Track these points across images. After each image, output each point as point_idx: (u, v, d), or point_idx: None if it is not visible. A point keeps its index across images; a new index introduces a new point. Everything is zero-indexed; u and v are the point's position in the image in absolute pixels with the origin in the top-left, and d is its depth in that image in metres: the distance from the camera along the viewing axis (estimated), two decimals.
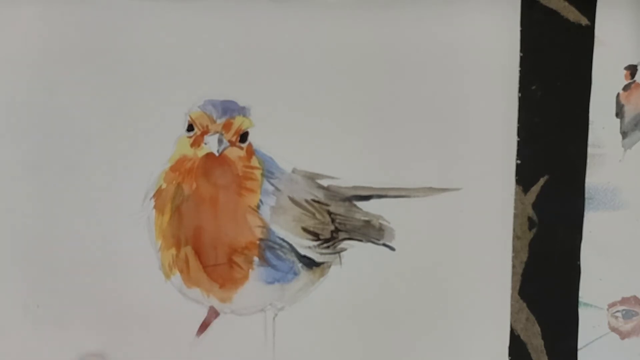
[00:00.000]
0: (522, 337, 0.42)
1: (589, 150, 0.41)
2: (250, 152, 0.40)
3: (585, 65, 0.41)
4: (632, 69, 0.41)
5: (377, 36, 0.41)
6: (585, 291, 0.42)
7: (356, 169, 0.41)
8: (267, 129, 0.40)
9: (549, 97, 0.41)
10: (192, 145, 0.40)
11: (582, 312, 0.42)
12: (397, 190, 0.41)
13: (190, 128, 0.40)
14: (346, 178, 0.41)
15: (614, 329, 0.42)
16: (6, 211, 0.41)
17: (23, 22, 0.41)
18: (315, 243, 0.41)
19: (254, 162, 0.40)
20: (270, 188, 0.40)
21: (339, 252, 0.41)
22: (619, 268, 0.42)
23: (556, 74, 0.41)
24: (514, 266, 0.41)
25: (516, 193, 0.41)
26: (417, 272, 0.41)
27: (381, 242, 0.41)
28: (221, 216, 0.40)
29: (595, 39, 0.41)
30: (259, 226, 0.40)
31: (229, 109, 0.40)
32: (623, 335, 0.42)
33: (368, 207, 0.41)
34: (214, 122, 0.40)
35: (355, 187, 0.41)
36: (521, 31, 0.41)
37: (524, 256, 0.41)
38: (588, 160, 0.41)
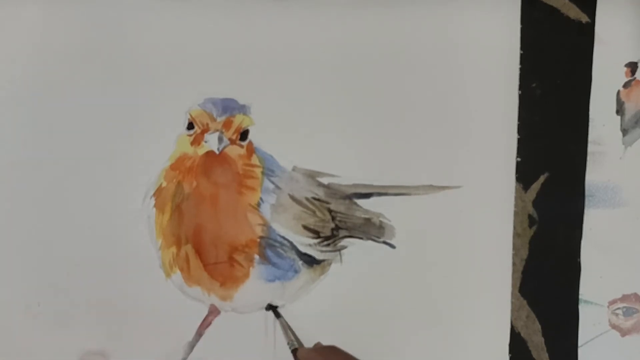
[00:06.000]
0: (522, 334, 0.42)
1: (589, 147, 0.41)
2: (251, 150, 0.40)
3: (585, 63, 0.41)
4: (632, 67, 0.41)
5: (377, 34, 0.41)
6: (586, 288, 0.42)
7: (356, 167, 0.41)
8: (267, 127, 0.40)
9: (549, 95, 0.41)
10: (192, 143, 0.40)
11: (582, 309, 0.42)
12: (397, 188, 0.41)
13: (190, 126, 0.40)
14: (346, 176, 0.41)
15: (614, 327, 0.42)
16: (7, 210, 0.41)
17: (23, 22, 0.41)
18: (316, 241, 0.41)
19: (255, 160, 0.40)
20: (271, 186, 0.40)
21: (339, 250, 0.41)
22: (619, 265, 0.42)
23: (556, 71, 0.41)
24: (514, 264, 0.41)
25: (516, 191, 0.41)
26: (418, 270, 0.41)
27: (381, 239, 0.41)
28: (221, 214, 0.40)
29: (596, 37, 0.41)
30: (260, 224, 0.40)
31: (229, 107, 0.40)
32: (623, 332, 0.42)
33: (368, 205, 0.41)
34: (214, 120, 0.40)
35: (355, 185, 0.41)
36: (521, 29, 0.41)
37: (525, 254, 0.41)
38: (588, 158, 0.41)
